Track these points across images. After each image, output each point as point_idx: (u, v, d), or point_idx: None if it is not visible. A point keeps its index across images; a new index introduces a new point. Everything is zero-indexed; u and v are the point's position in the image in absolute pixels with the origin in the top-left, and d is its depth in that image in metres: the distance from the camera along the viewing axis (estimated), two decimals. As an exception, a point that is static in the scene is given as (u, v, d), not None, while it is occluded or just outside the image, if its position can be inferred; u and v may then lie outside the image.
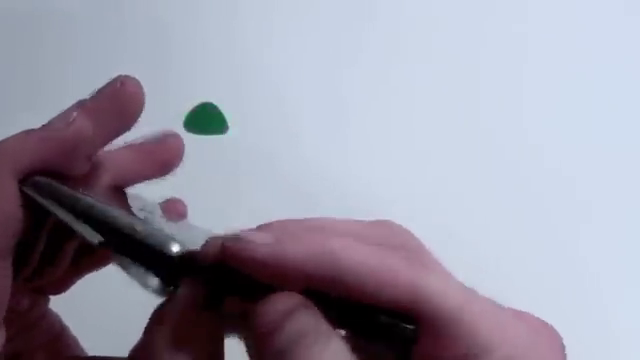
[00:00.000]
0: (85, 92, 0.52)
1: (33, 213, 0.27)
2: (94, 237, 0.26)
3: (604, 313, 0.42)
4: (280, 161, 0.45)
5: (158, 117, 0.48)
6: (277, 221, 0.25)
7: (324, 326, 0.21)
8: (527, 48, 0.54)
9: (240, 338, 0.27)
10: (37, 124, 0.46)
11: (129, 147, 0.32)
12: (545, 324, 0.25)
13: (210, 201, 0.45)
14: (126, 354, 0.25)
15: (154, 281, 0.25)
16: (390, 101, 0.50)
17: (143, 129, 0.49)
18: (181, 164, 0.33)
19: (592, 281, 0.44)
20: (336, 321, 0.23)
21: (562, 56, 0.55)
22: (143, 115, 0.50)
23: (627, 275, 0.45)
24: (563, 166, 0.49)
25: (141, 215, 0.27)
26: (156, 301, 0.26)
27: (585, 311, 0.43)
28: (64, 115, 0.29)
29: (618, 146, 0.52)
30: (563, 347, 0.25)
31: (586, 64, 0.57)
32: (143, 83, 0.51)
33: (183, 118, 0.47)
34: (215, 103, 0.48)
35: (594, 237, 0.45)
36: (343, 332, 0.23)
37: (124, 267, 0.26)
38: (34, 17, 0.51)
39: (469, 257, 0.45)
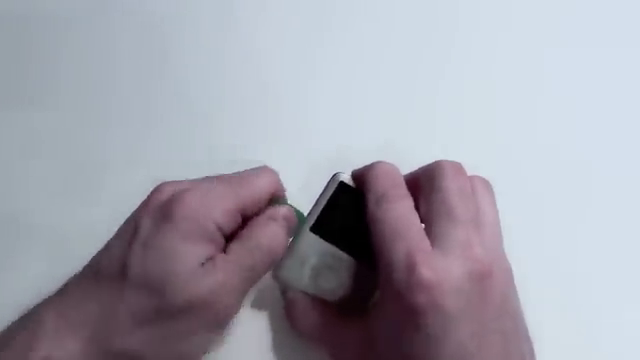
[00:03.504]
0: (79, 91, 0.52)
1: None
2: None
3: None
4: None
5: (158, 114, 0.49)
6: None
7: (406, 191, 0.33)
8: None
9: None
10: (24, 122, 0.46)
11: None
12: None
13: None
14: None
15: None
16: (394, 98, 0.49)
17: (146, 130, 0.49)
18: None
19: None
20: None
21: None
22: (145, 113, 0.50)
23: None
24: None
25: None
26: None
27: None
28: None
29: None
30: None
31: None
32: (141, 80, 0.51)
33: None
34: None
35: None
36: None
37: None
38: (28, 18, 0.51)
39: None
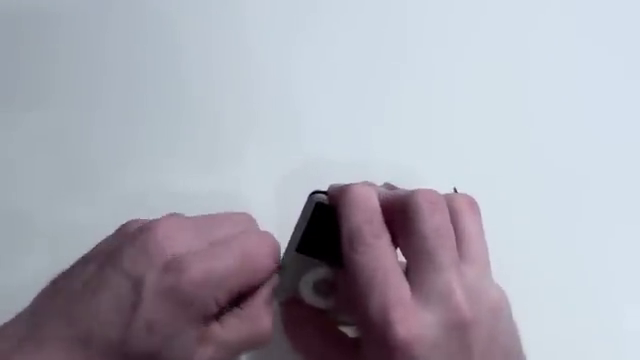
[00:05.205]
0: (77, 90, 0.52)
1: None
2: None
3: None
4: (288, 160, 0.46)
5: (157, 113, 0.49)
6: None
7: (382, 224, 0.32)
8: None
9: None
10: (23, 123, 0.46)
11: None
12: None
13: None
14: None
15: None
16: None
17: (150, 128, 0.50)
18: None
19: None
20: None
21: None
22: (152, 112, 0.50)
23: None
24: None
25: None
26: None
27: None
28: None
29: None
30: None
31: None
32: (148, 79, 0.52)
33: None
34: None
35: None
36: None
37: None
38: (39, 15, 0.51)
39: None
